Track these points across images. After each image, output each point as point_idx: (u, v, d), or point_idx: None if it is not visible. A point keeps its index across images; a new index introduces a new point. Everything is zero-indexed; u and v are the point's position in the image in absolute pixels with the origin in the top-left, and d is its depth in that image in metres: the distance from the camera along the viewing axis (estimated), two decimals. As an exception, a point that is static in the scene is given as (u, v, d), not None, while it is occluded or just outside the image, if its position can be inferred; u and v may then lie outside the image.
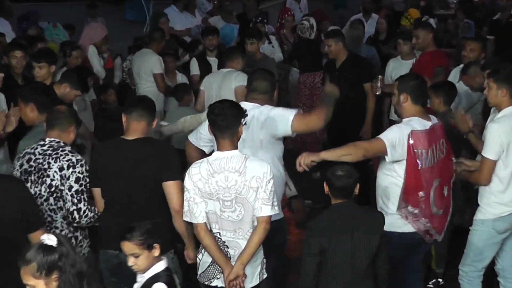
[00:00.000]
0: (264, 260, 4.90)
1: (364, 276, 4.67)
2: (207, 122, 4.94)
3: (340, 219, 4.67)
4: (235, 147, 4.71)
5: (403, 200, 5.24)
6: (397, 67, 8.76)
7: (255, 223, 4.70)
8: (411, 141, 5.16)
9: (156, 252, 4.33)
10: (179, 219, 4.87)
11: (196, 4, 12.87)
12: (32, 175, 5.14)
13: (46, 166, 5.10)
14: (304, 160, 5.01)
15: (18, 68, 7.64)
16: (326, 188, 4.77)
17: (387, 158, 5.20)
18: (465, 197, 6.45)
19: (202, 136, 5.59)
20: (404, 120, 5.32)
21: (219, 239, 4.74)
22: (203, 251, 4.83)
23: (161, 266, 4.36)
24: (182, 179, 4.82)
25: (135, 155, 4.91)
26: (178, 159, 4.96)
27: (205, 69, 9.30)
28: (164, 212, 4.93)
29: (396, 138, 5.16)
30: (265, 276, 4.91)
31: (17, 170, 5.22)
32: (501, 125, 5.47)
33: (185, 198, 4.72)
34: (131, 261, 4.32)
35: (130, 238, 4.30)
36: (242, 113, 4.77)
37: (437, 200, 5.38)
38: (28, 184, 5.09)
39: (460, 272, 5.81)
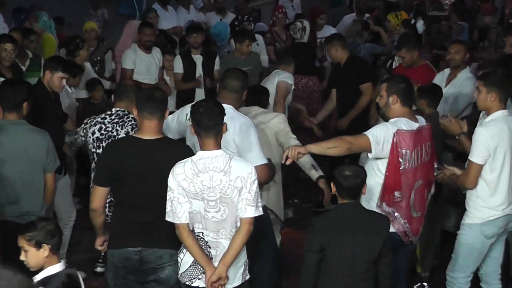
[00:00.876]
0: (247, 261, 4.87)
1: (363, 278, 4.65)
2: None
3: (343, 219, 4.66)
4: (219, 146, 4.69)
5: (382, 199, 5.28)
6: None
7: (238, 224, 4.67)
8: (395, 140, 5.17)
9: (44, 253, 4.29)
10: None
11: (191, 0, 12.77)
12: (103, 142, 5.79)
13: (115, 133, 5.78)
14: (291, 153, 5.07)
15: (7, 61, 7.55)
16: (333, 188, 4.77)
17: (370, 155, 5.24)
18: (451, 201, 6.45)
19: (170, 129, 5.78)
20: (391, 120, 5.34)
21: (202, 239, 4.71)
22: (184, 250, 4.79)
23: (54, 269, 4.32)
24: None
25: (154, 156, 4.83)
26: None
27: (190, 67, 9.28)
28: None
29: (381, 135, 5.19)
30: (247, 277, 4.88)
31: (89, 137, 5.86)
32: (489, 129, 5.45)
33: (168, 198, 4.67)
34: (22, 255, 4.32)
35: (22, 232, 4.33)
36: (224, 112, 4.75)
37: (417, 203, 5.39)
38: (100, 150, 5.72)
39: (448, 278, 5.78)
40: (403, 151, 5.20)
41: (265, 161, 5.36)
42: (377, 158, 5.25)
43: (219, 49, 10.42)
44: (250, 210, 4.63)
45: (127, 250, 4.86)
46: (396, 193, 5.25)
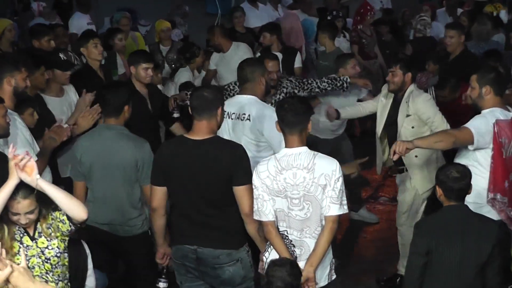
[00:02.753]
0: (333, 260, 4.80)
1: (471, 285, 4.52)
2: None
3: (451, 222, 4.56)
4: (303, 143, 4.61)
5: (492, 190, 5.28)
6: None
7: (323, 222, 4.60)
8: (496, 130, 5.21)
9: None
10: (250, 222, 4.81)
11: None
12: None
13: None
14: (399, 148, 5.19)
15: (101, 55, 7.46)
16: (439, 192, 4.65)
17: (471, 147, 5.28)
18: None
19: None
20: (485, 111, 5.34)
21: (286, 238, 4.67)
22: (269, 249, 4.76)
23: None
24: (252, 181, 4.75)
25: (201, 156, 4.78)
26: (248, 160, 4.84)
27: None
28: (236, 209, 4.83)
29: (482, 127, 5.25)
30: (334, 277, 4.81)
31: None
32: None
33: (254, 196, 4.66)
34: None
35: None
36: (311, 109, 4.69)
37: None
38: None
39: None
40: (503, 140, 5.23)
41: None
42: (476, 150, 5.27)
43: (307, 46, 10.39)
44: (334, 208, 4.55)
45: (184, 247, 4.88)
46: (506, 182, 5.28)
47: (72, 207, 4.22)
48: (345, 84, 7.22)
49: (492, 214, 5.27)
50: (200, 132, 4.83)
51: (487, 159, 5.31)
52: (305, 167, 4.53)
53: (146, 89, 6.76)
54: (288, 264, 4.29)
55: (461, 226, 4.53)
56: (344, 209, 4.62)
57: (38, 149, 5.54)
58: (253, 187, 4.65)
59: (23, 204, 4.21)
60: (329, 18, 10.90)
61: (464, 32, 8.42)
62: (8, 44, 8.73)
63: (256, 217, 4.68)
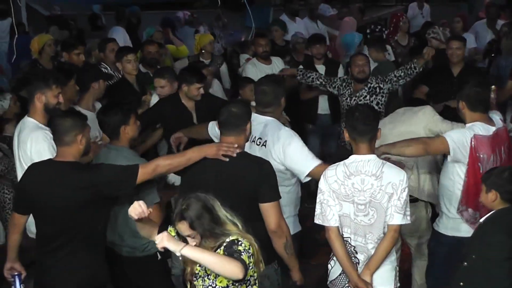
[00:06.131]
0: (397, 268, 4.79)
1: None
2: None
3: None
4: (372, 151, 4.65)
5: (463, 203, 5.24)
6: None
7: (386, 229, 4.63)
8: (473, 145, 5.11)
9: None
10: (277, 240, 4.70)
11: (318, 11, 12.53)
12: None
13: None
14: None
15: (134, 70, 7.42)
16: (493, 196, 4.62)
17: (449, 158, 5.20)
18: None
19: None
20: (467, 125, 5.27)
21: (349, 245, 4.68)
22: (335, 258, 4.75)
23: None
24: (279, 198, 4.66)
25: (231, 172, 4.67)
26: (275, 177, 4.71)
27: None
28: (263, 225, 4.68)
29: (460, 139, 5.16)
30: (398, 285, 4.80)
31: None
32: None
33: (318, 200, 4.66)
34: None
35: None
36: (379, 116, 4.75)
37: None
38: None
39: None
40: (481, 155, 5.13)
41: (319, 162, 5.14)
42: (454, 162, 5.19)
43: (346, 58, 10.27)
44: (397, 218, 4.58)
45: None
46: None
47: (224, 271, 3.83)
48: (413, 65, 7.61)
49: None
50: None
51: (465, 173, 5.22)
52: (373, 174, 4.56)
53: (193, 102, 6.71)
54: None
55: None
56: (407, 220, 4.63)
57: None
58: (319, 191, 4.65)
59: (179, 227, 4.02)
60: (368, 32, 10.81)
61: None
62: (48, 59, 8.75)
63: (318, 221, 4.68)
